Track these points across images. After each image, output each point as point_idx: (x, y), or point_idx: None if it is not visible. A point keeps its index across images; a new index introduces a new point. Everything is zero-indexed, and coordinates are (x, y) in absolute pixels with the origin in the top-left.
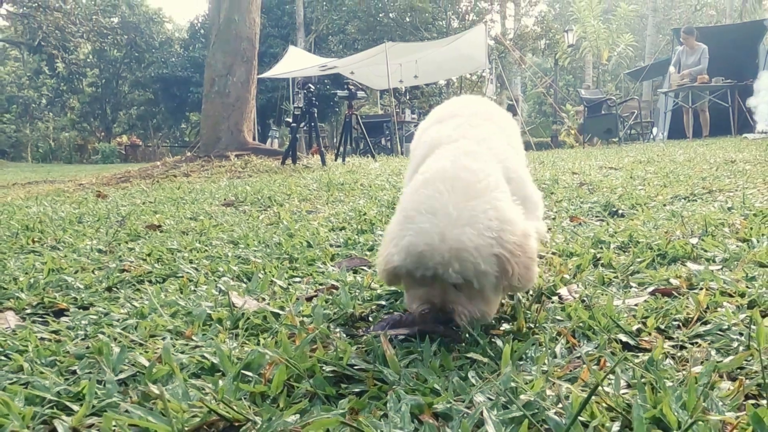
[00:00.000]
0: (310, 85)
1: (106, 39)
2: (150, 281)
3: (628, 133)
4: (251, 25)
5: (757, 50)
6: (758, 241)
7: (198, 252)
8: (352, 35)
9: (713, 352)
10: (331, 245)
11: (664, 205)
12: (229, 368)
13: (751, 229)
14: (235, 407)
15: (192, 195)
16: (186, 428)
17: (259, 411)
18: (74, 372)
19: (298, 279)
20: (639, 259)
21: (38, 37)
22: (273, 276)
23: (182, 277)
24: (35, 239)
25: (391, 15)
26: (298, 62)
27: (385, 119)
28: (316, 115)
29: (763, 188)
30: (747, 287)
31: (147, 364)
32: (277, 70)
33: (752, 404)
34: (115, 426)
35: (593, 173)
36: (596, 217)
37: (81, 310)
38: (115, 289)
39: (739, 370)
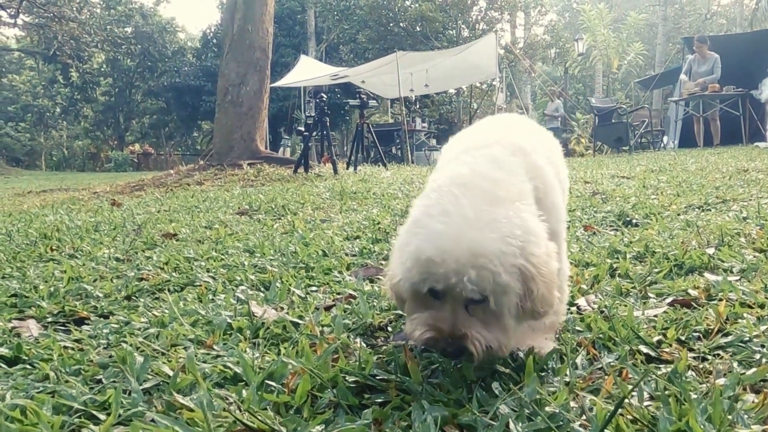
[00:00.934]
0: (322, 94)
1: (120, 48)
2: (168, 290)
3: (638, 142)
4: (264, 35)
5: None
6: None
7: (214, 261)
8: (363, 44)
9: (735, 364)
10: (346, 254)
11: (679, 215)
12: (252, 378)
13: None
14: (260, 417)
15: (206, 204)
16: None
17: (284, 421)
18: (99, 381)
19: (314, 288)
20: (656, 270)
21: (53, 46)
22: (290, 285)
23: (200, 286)
24: (53, 247)
25: (401, 24)
26: (309, 71)
27: (395, 128)
28: (328, 124)
29: None
30: (766, 298)
31: (171, 373)
32: (289, 79)
33: None
34: None
35: (605, 182)
36: (610, 226)
37: (101, 319)
38: (134, 297)
39: (762, 383)
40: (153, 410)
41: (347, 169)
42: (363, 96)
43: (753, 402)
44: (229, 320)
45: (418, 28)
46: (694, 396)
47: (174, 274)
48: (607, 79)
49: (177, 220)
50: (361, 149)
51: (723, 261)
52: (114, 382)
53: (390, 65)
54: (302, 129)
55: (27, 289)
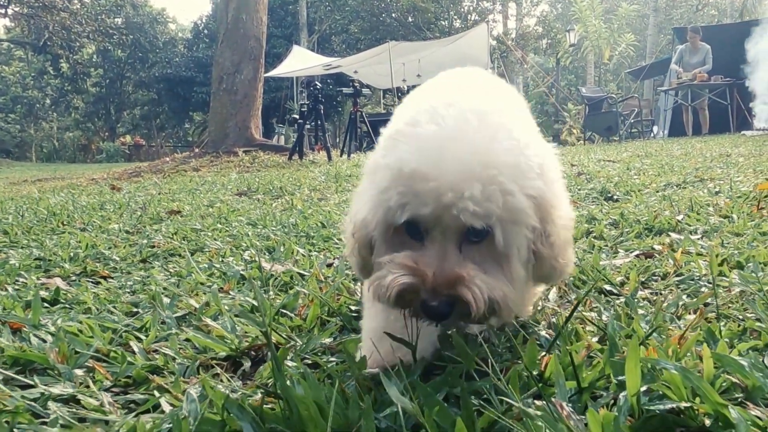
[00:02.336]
0: (316, 82)
1: (111, 39)
2: (179, 255)
3: (628, 131)
4: (258, 24)
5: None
6: (738, 217)
7: (220, 232)
8: (355, 35)
9: (684, 296)
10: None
11: (657, 191)
12: (268, 308)
13: (733, 207)
14: (278, 332)
15: (205, 186)
16: (238, 349)
17: (299, 335)
18: (134, 314)
19: (315, 253)
20: (627, 230)
21: (44, 37)
22: (294, 248)
23: (209, 251)
24: (64, 222)
25: (393, 15)
26: (302, 61)
27: (387, 118)
28: (322, 111)
29: (752, 177)
30: (721, 250)
31: (197, 306)
32: (282, 70)
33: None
34: (180, 347)
35: (592, 165)
36: (592, 202)
37: (124, 275)
38: (148, 261)
39: (704, 306)
40: (185, 333)
41: (341, 156)
42: (356, 84)
43: (692, 319)
44: (241, 272)
45: (410, 19)
46: (641, 312)
47: (183, 242)
48: (599, 70)
49: (179, 200)
50: (355, 137)
51: (689, 225)
52: (148, 313)
53: (382, 55)
54: (296, 117)
55: (48, 255)
